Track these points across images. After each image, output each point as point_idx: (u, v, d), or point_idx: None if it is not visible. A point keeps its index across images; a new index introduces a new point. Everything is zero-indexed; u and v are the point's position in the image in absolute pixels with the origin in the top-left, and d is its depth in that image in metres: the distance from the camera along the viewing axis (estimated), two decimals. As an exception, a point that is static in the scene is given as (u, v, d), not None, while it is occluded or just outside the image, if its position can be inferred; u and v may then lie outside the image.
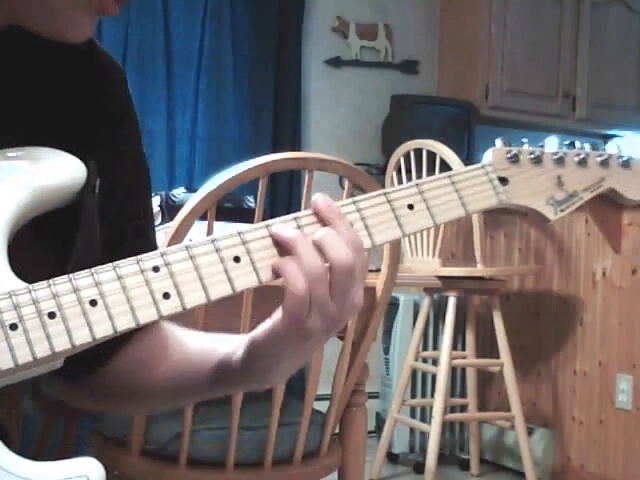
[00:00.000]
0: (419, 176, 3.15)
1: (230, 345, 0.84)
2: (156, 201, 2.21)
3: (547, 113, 4.58)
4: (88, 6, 0.80)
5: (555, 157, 0.89)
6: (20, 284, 0.71)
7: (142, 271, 0.73)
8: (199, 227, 1.63)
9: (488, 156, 0.88)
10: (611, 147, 0.92)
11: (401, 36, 4.48)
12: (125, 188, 0.92)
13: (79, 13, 0.80)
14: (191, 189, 2.29)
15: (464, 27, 4.45)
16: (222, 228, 1.69)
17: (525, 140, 0.90)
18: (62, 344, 0.69)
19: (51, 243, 0.82)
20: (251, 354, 0.81)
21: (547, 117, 4.59)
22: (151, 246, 0.98)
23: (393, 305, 3.61)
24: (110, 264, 0.72)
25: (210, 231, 1.63)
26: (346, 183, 1.67)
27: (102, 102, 0.91)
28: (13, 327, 0.68)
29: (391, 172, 3.35)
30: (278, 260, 0.75)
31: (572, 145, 0.91)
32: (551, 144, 0.90)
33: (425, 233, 3.22)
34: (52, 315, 0.69)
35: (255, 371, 0.82)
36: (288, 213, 0.78)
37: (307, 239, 0.75)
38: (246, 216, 1.95)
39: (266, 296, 1.00)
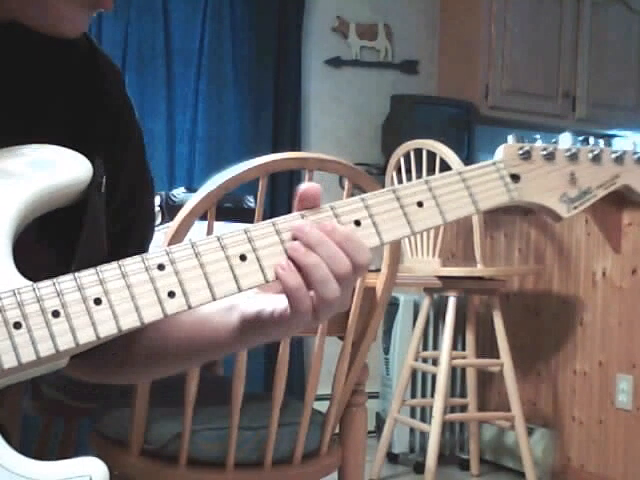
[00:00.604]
0: (419, 176, 3.13)
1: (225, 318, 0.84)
2: (156, 201, 2.21)
3: (547, 113, 4.58)
4: (82, 1, 0.81)
5: (568, 154, 0.88)
6: (24, 282, 0.71)
7: (147, 269, 0.72)
8: (199, 227, 1.62)
9: (499, 153, 0.86)
10: (626, 144, 0.91)
11: (401, 36, 4.48)
12: (125, 187, 0.92)
13: (73, 8, 0.80)
14: (191, 189, 2.29)
15: (464, 27, 4.45)
16: (222, 228, 1.69)
17: (538, 137, 0.88)
18: (66, 343, 0.69)
19: (56, 242, 0.82)
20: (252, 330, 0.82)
21: (547, 117, 4.59)
22: (146, 246, 0.98)
23: (393, 305, 3.61)
24: (115, 262, 0.72)
25: (210, 231, 1.62)
26: (346, 183, 1.67)
27: (101, 101, 0.91)
28: (17, 325, 0.68)
29: (391, 172, 3.35)
30: (284, 275, 0.74)
31: (586, 141, 0.89)
32: (565, 140, 0.88)
33: (425, 233, 3.22)
34: (56, 314, 0.69)
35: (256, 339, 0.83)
36: (288, 213, 0.78)
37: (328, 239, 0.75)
38: (246, 216, 1.94)
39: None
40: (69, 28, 0.82)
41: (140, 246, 0.95)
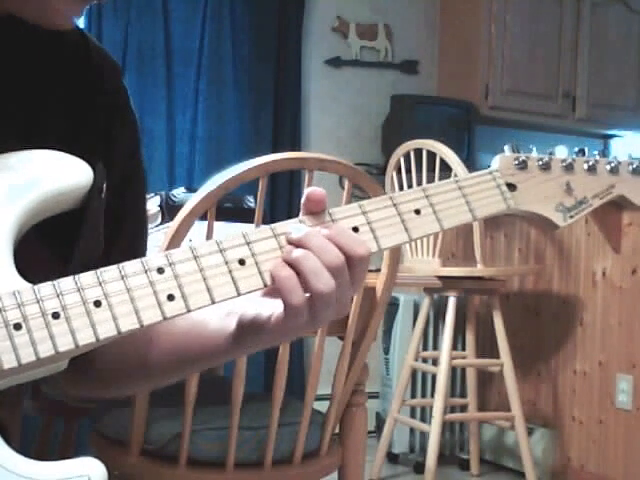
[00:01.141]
0: (419, 176, 3.15)
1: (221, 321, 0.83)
2: (156, 201, 2.21)
3: (547, 113, 4.58)
4: None
5: (564, 164, 0.89)
6: (25, 284, 0.71)
7: (146, 272, 0.73)
8: (199, 227, 1.62)
9: (495, 162, 0.88)
10: (621, 154, 0.92)
11: (401, 36, 4.48)
12: (117, 179, 0.91)
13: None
14: (191, 189, 2.29)
15: (464, 27, 4.45)
16: (222, 228, 1.69)
17: (532, 147, 0.89)
18: (65, 344, 0.69)
19: (57, 245, 0.82)
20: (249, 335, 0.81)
21: (547, 117, 4.59)
22: (140, 247, 0.97)
23: (393, 305, 3.61)
24: (115, 265, 0.72)
25: (210, 231, 1.62)
26: (346, 183, 1.67)
27: (96, 94, 0.91)
28: (17, 327, 0.68)
29: (391, 172, 3.35)
30: (275, 267, 0.74)
31: (582, 152, 0.91)
32: (560, 152, 0.90)
33: (425, 233, 3.22)
34: (56, 315, 0.69)
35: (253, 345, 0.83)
36: (288, 213, 0.78)
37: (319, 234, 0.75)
38: (246, 216, 1.94)
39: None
40: (62, 19, 0.82)
41: (132, 241, 0.95)
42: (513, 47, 4.43)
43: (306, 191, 0.78)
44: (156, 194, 2.21)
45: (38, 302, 0.69)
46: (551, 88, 4.58)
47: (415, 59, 4.52)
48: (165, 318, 0.72)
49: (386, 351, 3.71)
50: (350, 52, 4.37)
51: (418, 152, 3.21)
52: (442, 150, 3.06)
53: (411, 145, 3.25)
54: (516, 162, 0.87)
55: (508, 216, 3.11)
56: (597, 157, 0.91)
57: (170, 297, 0.72)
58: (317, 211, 0.78)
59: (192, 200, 1.61)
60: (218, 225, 1.64)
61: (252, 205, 2.30)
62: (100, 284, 0.71)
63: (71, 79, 0.90)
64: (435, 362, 3.39)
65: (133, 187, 0.96)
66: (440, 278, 2.45)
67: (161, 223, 2.16)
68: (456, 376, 3.67)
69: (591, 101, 4.67)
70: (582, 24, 4.64)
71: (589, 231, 3.38)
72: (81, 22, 3.62)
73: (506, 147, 0.89)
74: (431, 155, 3.13)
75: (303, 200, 0.78)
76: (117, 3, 3.75)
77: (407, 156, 3.26)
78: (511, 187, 0.86)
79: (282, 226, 0.77)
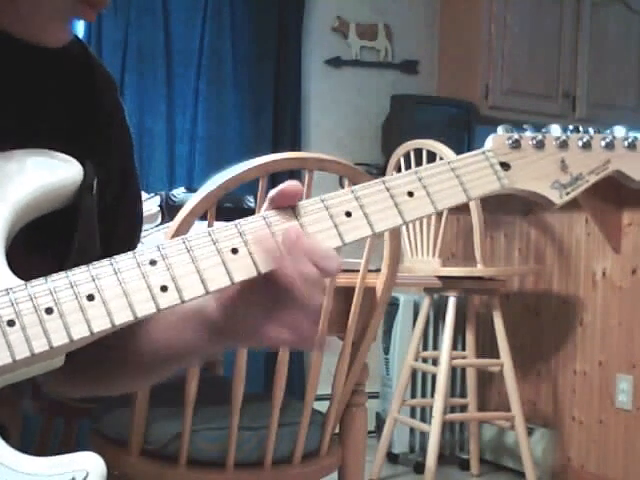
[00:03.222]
0: (419, 176, 3.15)
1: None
2: (156, 201, 2.21)
3: (547, 113, 4.58)
4: (59, 13, 0.80)
5: (558, 141, 0.88)
6: (17, 281, 0.71)
7: (139, 265, 0.72)
8: (199, 227, 1.62)
9: (489, 142, 0.87)
10: (618, 130, 0.91)
11: (401, 36, 4.48)
12: (110, 194, 0.91)
13: (52, 19, 0.80)
14: (191, 189, 2.29)
15: (464, 27, 4.45)
16: (222, 228, 1.68)
17: (527, 127, 0.89)
18: (60, 339, 0.69)
19: (50, 244, 0.82)
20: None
21: (547, 117, 4.58)
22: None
23: (393, 305, 3.61)
24: (107, 259, 0.72)
25: (210, 231, 1.62)
26: (346, 183, 1.67)
27: (93, 107, 0.91)
28: (10, 323, 0.68)
29: (391, 172, 3.35)
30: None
31: (576, 130, 0.90)
32: (554, 130, 0.90)
33: (425, 233, 3.22)
34: (49, 311, 0.69)
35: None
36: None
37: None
38: (246, 216, 1.94)
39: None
40: (51, 39, 0.82)
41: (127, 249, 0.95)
42: (513, 47, 4.43)
43: (282, 187, 0.77)
44: (156, 194, 2.21)
45: (31, 298, 0.69)
46: (551, 88, 4.58)
47: (415, 59, 4.53)
48: (159, 310, 0.72)
49: (386, 351, 3.71)
50: (350, 52, 4.37)
51: (418, 152, 3.21)
52: (442, 150, 3.06)
53: (411, 145, 3.25)
54: (509, 141, 0.87)
55: (508, 215, 3.09)
56: (592, 133, 0.90)
57: (163, 289, 0.72)
58: (287, 205, 0.77)
59: (192, 200, 1.61)
60: (218, 225, 1.64)
61: (252, 205, 2.30)
62: (92, 278, 0.71)
63: (68, 87, 0.90)
64: (435, 362, 3.39)
65: (126, 196, 0.96)
66: (440, 278, 2.44)
67: (161, 223, 2.16)
68: (456, 376, 3.67)
69: (591, 101, 4.67)
70: (582, 24, 4.64)
71: (589, 231, 3.38)
72: (81, 23, 3.62)
73: (499, 128, 0.88)
74: (431, 155, 3.13)
75: (277, 195, 0.77)
76: (117, 3, 3.75)
77: (407, 156, 3.26)
78: (505, 166, 0.86)
79: (274, 214, 0.77)
